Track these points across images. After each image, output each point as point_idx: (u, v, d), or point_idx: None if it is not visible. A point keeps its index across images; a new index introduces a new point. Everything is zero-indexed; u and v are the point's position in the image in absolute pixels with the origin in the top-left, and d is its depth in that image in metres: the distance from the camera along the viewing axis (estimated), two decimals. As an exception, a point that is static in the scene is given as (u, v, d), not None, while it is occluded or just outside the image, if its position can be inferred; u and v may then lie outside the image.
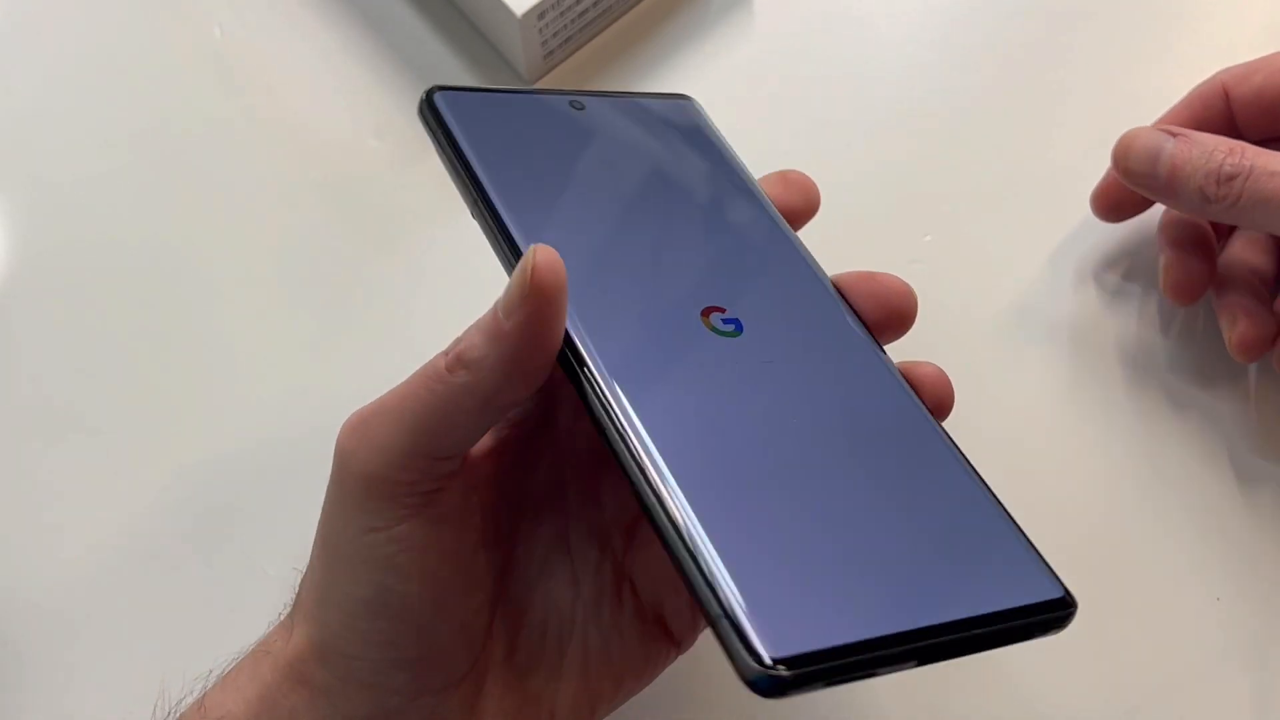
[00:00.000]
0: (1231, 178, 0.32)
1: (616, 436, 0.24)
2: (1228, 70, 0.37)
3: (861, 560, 0.23)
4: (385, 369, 0.38)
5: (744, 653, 0.21)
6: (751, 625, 0.21)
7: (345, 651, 0.26)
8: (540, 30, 0.40)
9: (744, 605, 0.21)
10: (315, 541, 0.26)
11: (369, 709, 0.26)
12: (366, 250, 0.40)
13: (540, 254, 0.23)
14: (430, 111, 0.30)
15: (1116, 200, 0.37)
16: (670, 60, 0.43)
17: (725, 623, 0.21)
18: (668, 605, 0.29)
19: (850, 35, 0.44)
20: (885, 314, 0.28)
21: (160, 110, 0.42)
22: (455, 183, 0.29)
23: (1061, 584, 0.24)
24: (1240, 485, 0.36)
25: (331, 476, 0.26)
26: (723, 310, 0.27)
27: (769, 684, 0.20)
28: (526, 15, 0.39)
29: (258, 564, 0.35)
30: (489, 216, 0.28)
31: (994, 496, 0.26)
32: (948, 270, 0.40)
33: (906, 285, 0.29)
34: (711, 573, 0.22)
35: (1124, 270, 0.39)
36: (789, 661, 0.20)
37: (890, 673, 0.22)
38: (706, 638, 0.33)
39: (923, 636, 0.22)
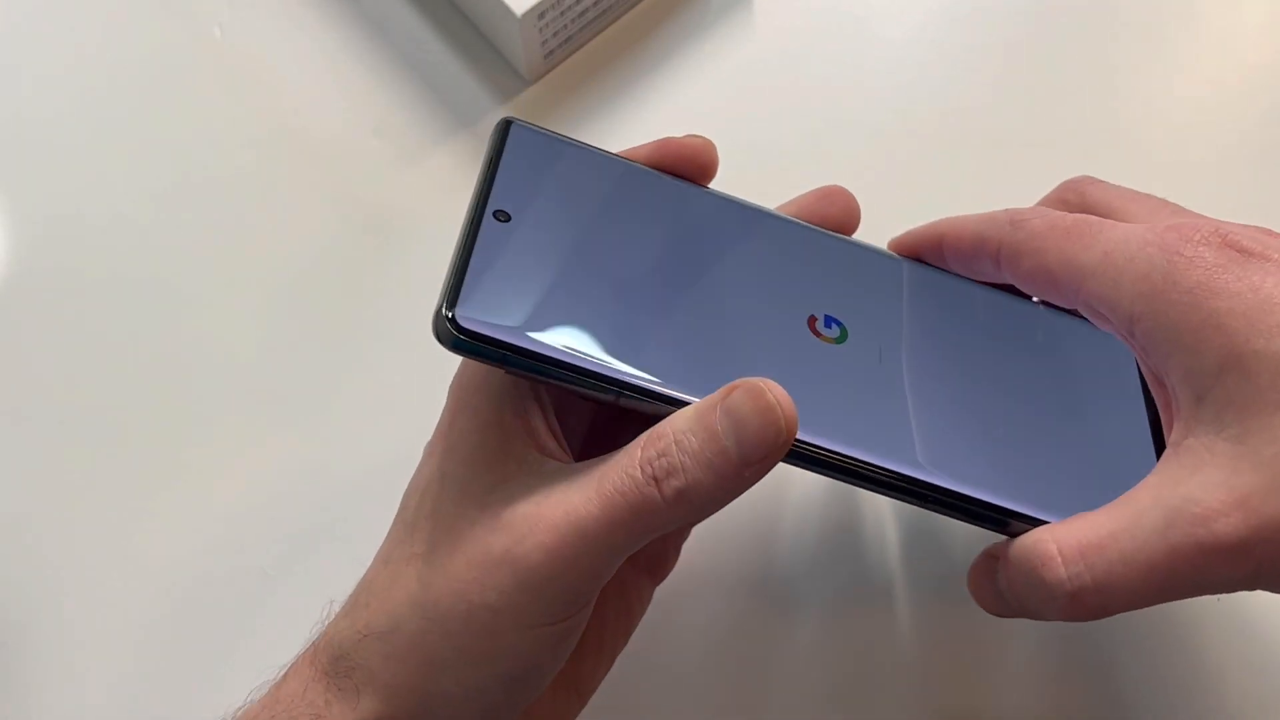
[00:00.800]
0: (1077, 594, 0.24)
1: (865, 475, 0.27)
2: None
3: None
4: (385, 368, 0.38)
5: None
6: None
7: (456, 714, 0.26)
8: (540, 30, 0.40)
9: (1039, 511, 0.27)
10: (429, 614, 0.25)
11: None
12: (366, 250, 0.40)
13: (787, 405, 0.24)
14: (465, 329, 0.25)
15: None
16: (670, 60, 0.43)
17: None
18: (650, 548, 0.30)
19: (850, 35, 0.44)
20: (851, 218, 0.32)
21: (159, 110, 0.42)
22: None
23: None
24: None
25: (502, 572, 0.25)
26: (816, 318, 0.29)
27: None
28: (526, 15, 0.39)
29: (258, 567, 0.35)
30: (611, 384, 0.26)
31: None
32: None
33: (847, 191, 0.32)
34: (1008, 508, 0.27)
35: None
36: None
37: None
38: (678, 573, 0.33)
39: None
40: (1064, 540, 0.25)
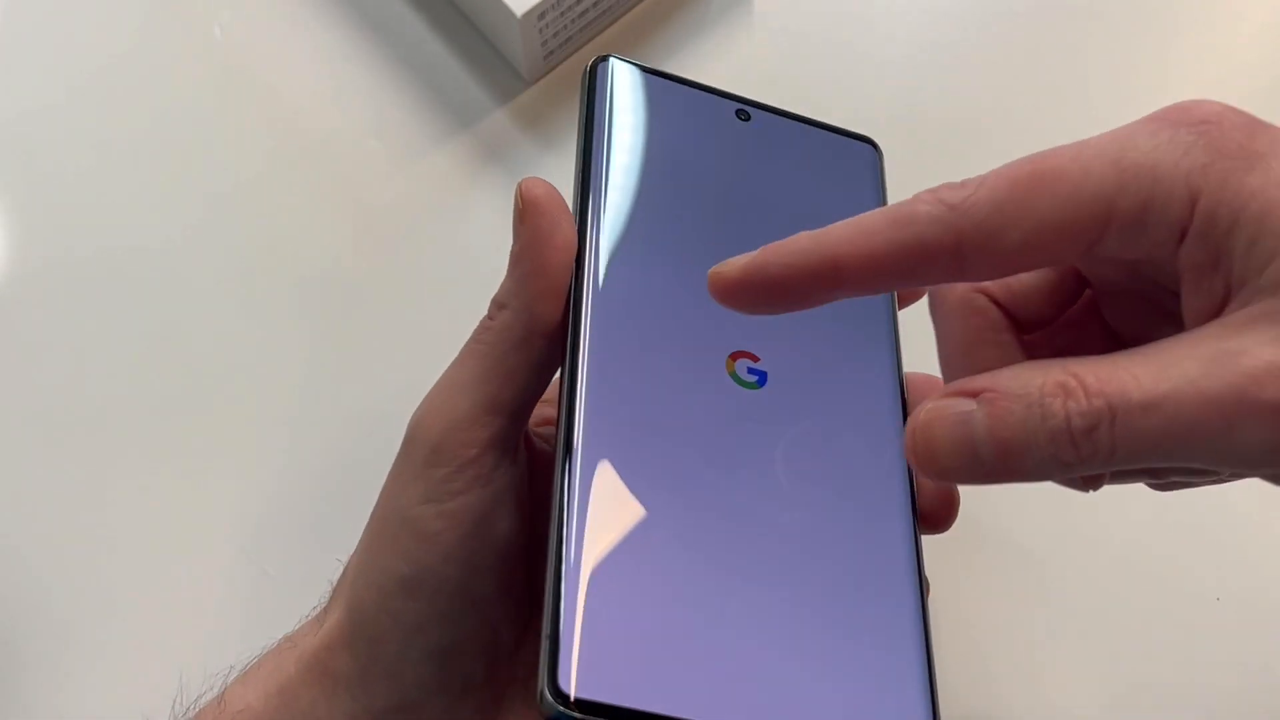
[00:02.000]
0: (1090, 430, 0.21)
1: (564, 427, 0.24)
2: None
3: (728, 648, 0.23)
4: (385, 368, 0.38)
5: (548, 678, 0.21)
6: (565, 656, 0.21)
7: (373, 634, 0.26)
8: (540, 30, 0.40)
9: (573, 635, 0.21)
10: (367, 524, 0.27)
11: (388, 700, 0.26)
12: (366, 250, 0.40)
13: (529, 181, 0.26)
14: (590, 76, 0.29)
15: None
16: (670, 60, 0.43)
17: (548, 643, 0.21)
18: None
19: (850, 35, 0.44)
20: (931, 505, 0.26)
21: (160, 110, 0.42)
22: (577, 150, 0.28)
23: None
24: (1239, 483, 0.36)
25: (401, 449, 0.26)
26: (755, 359, 0.26)
27: (553, 713, 0.21)
28: (526, 15, 0.39)
29: (258, 566, 0.35)
30: (579, 188, 0.27)
31: (923, 627, 0.24)
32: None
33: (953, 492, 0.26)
34: (562, 597, 0.22)
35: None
36: (584, 705, 0.21)
37: None
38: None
39: None
40: (1080, 372, 0.21)
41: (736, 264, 0.22)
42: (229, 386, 0.38)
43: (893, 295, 0.29)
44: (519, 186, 0.26)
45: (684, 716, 0.21)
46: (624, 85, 0.29)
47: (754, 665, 0.22)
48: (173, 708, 0.29)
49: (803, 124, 0.32)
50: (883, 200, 0.31)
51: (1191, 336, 0.21)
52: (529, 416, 0.27)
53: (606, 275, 0.26)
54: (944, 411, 0.22)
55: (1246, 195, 0.21)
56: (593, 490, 0.23)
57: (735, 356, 0.26)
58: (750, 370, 0.26)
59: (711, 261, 0.24)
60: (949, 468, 0.22)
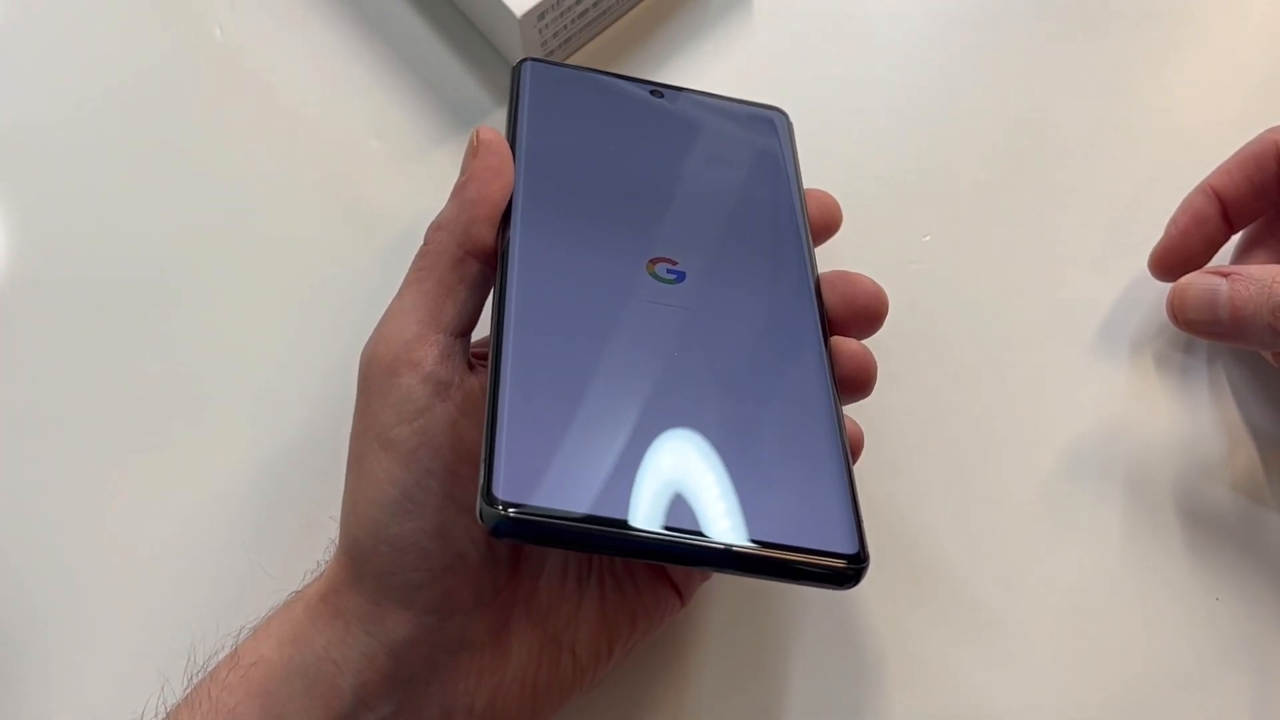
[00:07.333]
0: None
1: (498, 298, 0.27)
2: (1278, 129, 0.35)
3: (659, 464, 0.25)
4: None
5: (485, 488, 0.23)
6: (499, 471, 0.23)
7: (377, 568, 0.26)
8: (540, 30, 0.40)
9: (506, 450, 0.24)
10: (346, 471, 0.28)
11: (403, 631, 0.26)
12: (366, 251, 0.40)
13: (484, 128, 0.30)
14: (514, 75, 0.33)
15: (1180, 262, 0.36)
16: (670, 60, 0.43)
17: (485, 465, 0.23)
18: (679, 571, 0.30)
19: (850, 35, 0.44)
20: (853, 312, 0.30)
21: (159, 111, 0.42)
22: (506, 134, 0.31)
23: (861, 542, 0.24)
24: (1239, 484, 0.36)
25: (358, 391, 0.28)
26: (673, 262, 0.29)
27: (493, 521, 0.23)
28: (526, 15, 0.39)
29: (258, 566, 0.35)
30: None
31: (844, 454, 0.26)
32: (946, 271, 0.40)
33: (876, 286, 0.30)
34: (498, 419, 0.24)
35: (1122, 254, 0.39)
36: (517, 507, 0.23)
37: (626, 557, 0.25)
38: (717, 602, 0.33)
39: (667, 537, 0.23)
40: None
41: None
42: (227, 387, 0.38)
43: (802, 202, 0.33)
44: (475, 131, 0.30)
45: (607, 515, 0.23)
46: (544, 77, 0.34)
47: (680, 478, 0.25)
48: (186, 668, 0.29)
49: (718, 98, 0.36)
50: (793, 160, 0.34)
51: None
52: (471, 334, 0.29)
53: (535, 214, 0.29)
54: (1199, 280, 0.32)
55: None
56: (526, 339, 0.26)
57: (655, 261, 0.29)
58: (669, 270, 0.29)
59: (631, 200, 0.30)
60: (1194, 320, 0.32)
